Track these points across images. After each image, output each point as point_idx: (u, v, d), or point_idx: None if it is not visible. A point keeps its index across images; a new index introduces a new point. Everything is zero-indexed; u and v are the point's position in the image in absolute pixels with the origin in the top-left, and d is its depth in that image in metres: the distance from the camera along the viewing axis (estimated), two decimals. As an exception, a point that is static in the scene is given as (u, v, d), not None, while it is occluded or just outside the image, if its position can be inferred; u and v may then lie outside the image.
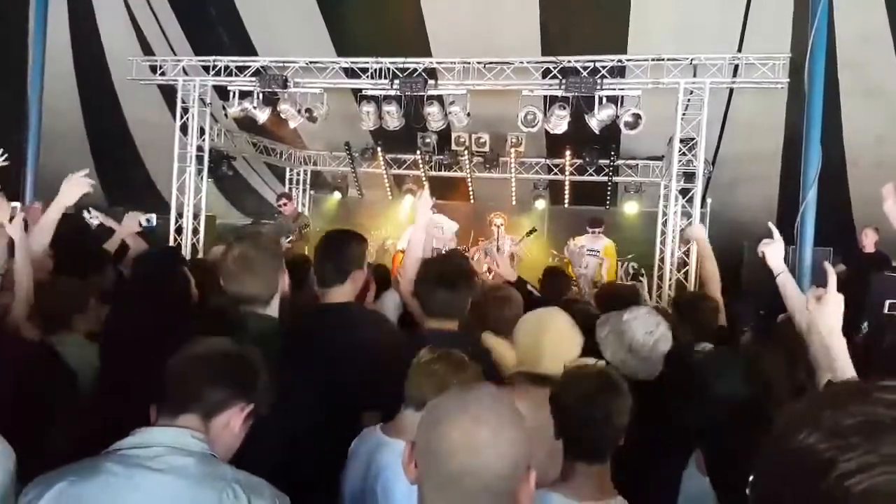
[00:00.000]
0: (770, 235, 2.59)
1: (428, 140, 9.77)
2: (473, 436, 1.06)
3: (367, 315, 2.50)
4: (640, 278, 7.43)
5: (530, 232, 8.37)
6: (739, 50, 7.39)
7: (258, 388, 1.56)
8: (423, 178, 10.87)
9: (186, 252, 8.42)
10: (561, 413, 1.74)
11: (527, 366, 2.20)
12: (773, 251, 2.49)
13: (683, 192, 7.61)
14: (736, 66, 7.06)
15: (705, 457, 1.67)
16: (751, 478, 0.79)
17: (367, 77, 7.90)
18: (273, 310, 2.19)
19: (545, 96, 7.53)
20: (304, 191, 11.78)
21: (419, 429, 1.13)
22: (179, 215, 8.58)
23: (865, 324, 4.17)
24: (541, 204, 10.47)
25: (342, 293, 2.38)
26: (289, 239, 6.97)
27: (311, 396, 2.00)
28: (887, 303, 5.69)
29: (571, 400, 1.73)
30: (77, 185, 3.08)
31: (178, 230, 8.59)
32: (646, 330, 2.32)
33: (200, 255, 8.51)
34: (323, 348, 2.19)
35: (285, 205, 8.28)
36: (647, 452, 1.83)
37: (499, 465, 1.06)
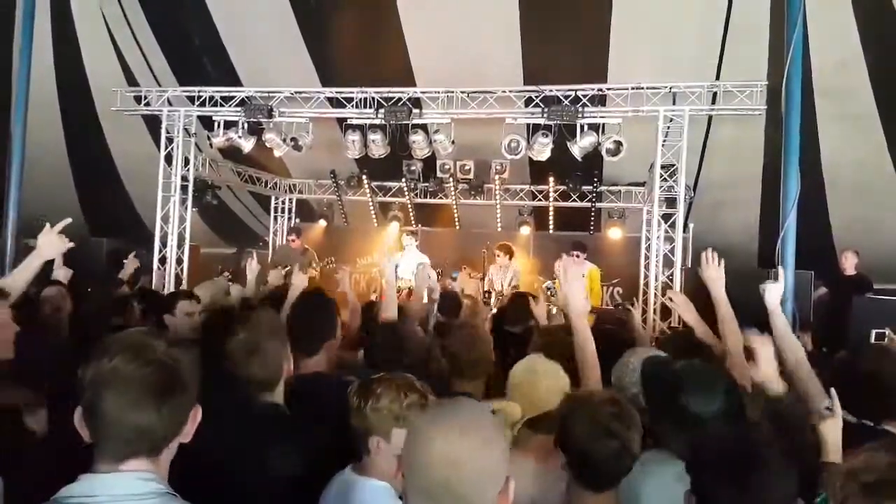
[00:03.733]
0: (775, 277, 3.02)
1: (413, 168, 9.81)
2: (453, 448, 1.10)
3: (337, 386, 2.44)
4: (631, 306, 7.45)
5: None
6: (717, 78, 7.54)
7: (195, 385, 1.34)
8: (409, 206, 10.91)
9: (170, 281, 8.35)
10: (570, 442, 1.73)
11: (530, 413, 2.20)
12: (772, 290, 2.79)
13: (666, 217, 7.69)
14: (714, 94, 7.20)
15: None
16: None
17: (352, 106, 7.95)
18: (278, 396, 2.14)
19: (528, 124, 7.61)
20: (290, 219, 11.75)
21: (405, 441, 1.17)
22: (163, 245, 8.51)
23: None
24: (526, 230, 10.51)
25: (316, 363, 2.56)
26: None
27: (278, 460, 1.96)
28: (873, 332, 5.65)
29: (583, 429, 1.70)
30: (58, 241, 3.01)
31: (162, 260, 8.51)
32: None
33: (184, 285, 8.45)
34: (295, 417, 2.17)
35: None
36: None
37: (477, 476, 1.10)
